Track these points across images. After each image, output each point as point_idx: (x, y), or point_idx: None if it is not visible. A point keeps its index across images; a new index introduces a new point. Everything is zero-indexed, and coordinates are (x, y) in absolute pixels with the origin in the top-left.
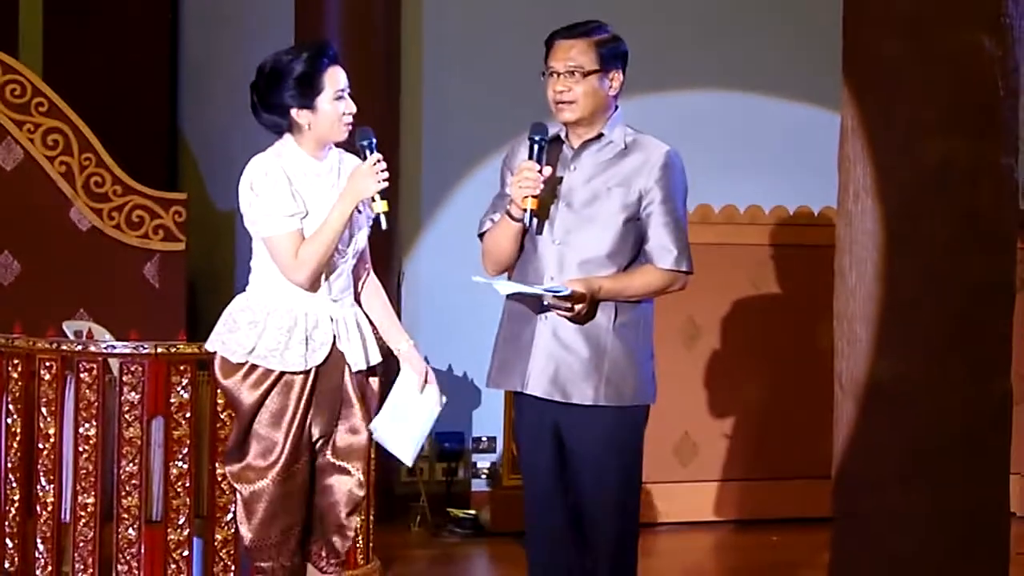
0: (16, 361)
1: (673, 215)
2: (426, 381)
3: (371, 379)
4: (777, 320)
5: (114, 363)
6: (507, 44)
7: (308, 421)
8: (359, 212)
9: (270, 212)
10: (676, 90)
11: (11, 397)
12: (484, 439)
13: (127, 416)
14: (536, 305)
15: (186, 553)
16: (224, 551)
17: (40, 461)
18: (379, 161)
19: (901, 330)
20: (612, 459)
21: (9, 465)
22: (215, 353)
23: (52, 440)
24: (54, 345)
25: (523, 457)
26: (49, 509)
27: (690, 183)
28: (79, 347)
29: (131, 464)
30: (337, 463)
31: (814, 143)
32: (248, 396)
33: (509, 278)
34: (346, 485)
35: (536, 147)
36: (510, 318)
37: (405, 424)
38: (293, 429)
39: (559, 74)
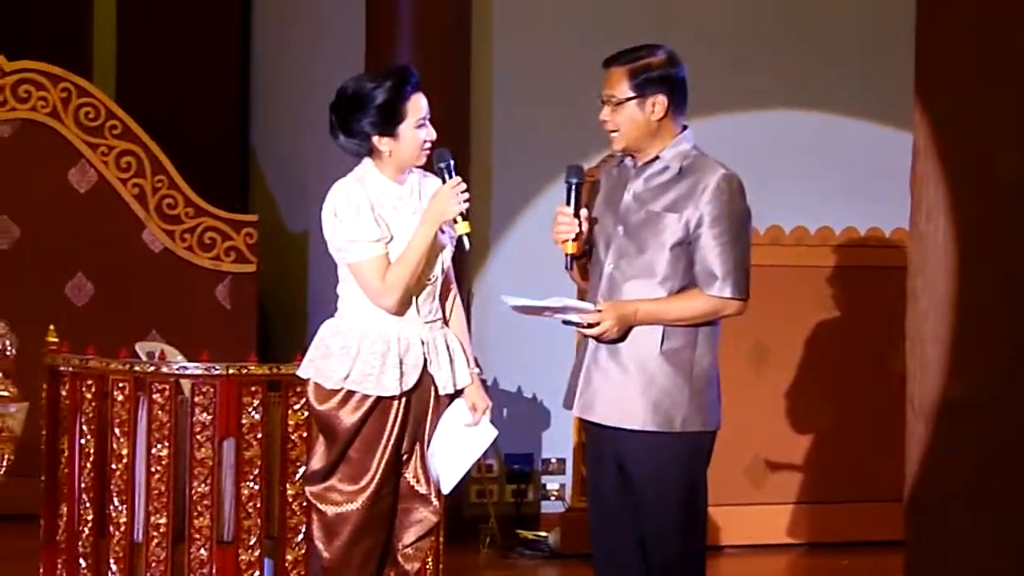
0: (89, 382)
1: (720, 239)
2: (481, 415)
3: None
4: (847, 342)
5: (186, 384)
6: (580, 58)
7: (401, 445)
8: (442, 232)
9: (355, 239)
10: (747, 110)
11: (84, 418)
12: (553, 460)
13: (199, 437)
14: None
15: (257, 574)
16: (295, 571)
17: (113, 481)
18: (459, 183)
19: (974, 350)
20: (668, 485)
21: (82, 485)
22: (308, 379)
23: (125, 460)
24: (127, 366)
25: (588, 480)
26: (122, 529)
27: (760, 204)
28: (151, 368)
29: (203, 485)
30: (416, 487)
31: (886, 163)
32: (347, 421)
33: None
34: (423, 510)
35: (574, 190)
36: (580, 341)
37: (454, 453)
38: (387, 454)
39: (603, 103)
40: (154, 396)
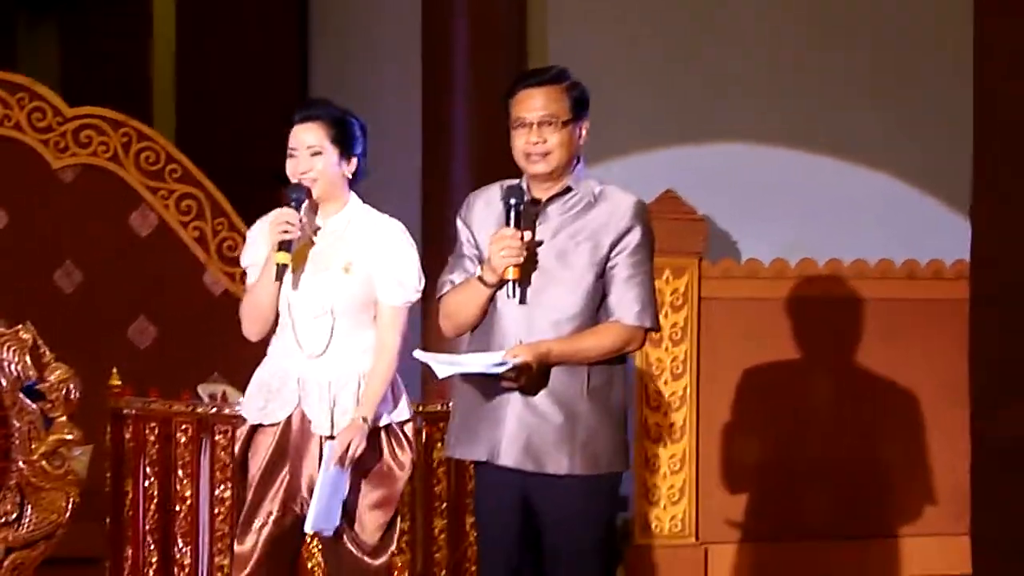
0: (153, 424)
1: (638, 268)
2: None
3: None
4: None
5: None
6: (633, 79)
7: (277, 480)
8: (350, 274)
9: (241, 263)
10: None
11: (148, 460)
12: None
13: None
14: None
15: None
16: None
17: (177, 523)
18: (287, 214)
19: None
20: (589, 531)
21: (147, 527)
22: None
23: (188, 502)
24: (189, 408)
25: (485, 533)
26: (186, 571)
27: (827, 234)
28: (214, 410)
29: None
30: (341, 535)
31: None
32: (237, 448)
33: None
34: (349, 558)
35: (513, 212)
36: (471, 383)
37: (329, 500)
38: (255, 486)
39: (532, 124)
40: (217, 437)
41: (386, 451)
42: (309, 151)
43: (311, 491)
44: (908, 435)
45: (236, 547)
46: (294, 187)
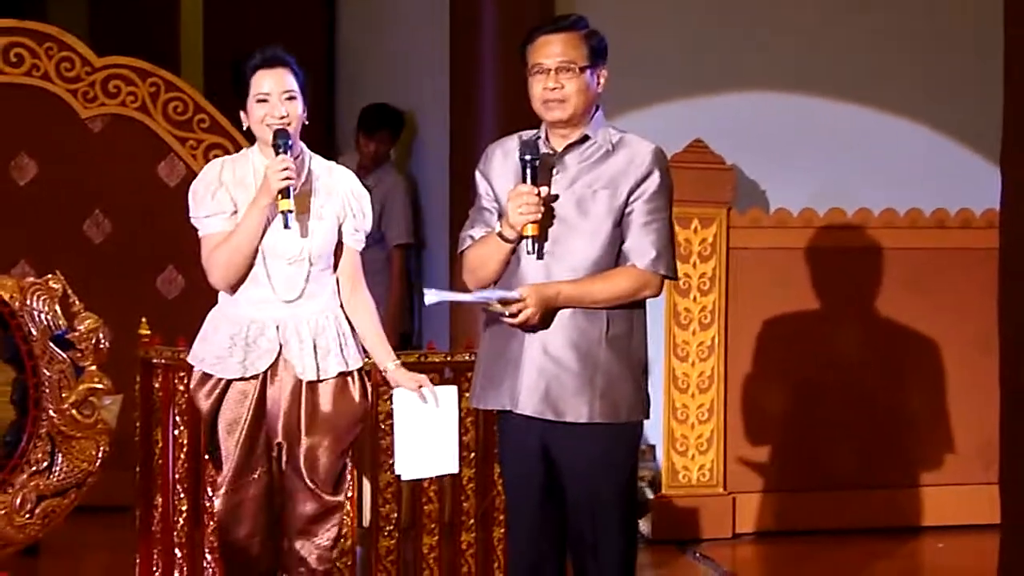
0: (182, 374)
1: (656, 214)
2: (426, 389)
3: (350, 388)
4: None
5: None
6: (661, 60)
7: (262, 431)
8: (322, 219)
9: (196, 214)
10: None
11: (178, 409)
12: (643, 447)
13: None
14: None
15: (350, 563)
16: (388, 559)
17: (207, 472)
18: (283, 160)
19: None
20: (612, 480)
21: (176, 476)
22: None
23: None
24: None
25: (510, 482)
26: (216, 519)
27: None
28: None
29: None
30: (302, 477)
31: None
32: (204, 405)
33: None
34: (308, 498)
35: (530, 168)
36: (493, 332)
37: (434, 442)
38: (242, 439)
39: (550, 71)
40: None
41: (357, 395)
42: (285, 95)
43: (287, 437)
44: (936, 384)
45: (225, 504)
46: (280, 132)
